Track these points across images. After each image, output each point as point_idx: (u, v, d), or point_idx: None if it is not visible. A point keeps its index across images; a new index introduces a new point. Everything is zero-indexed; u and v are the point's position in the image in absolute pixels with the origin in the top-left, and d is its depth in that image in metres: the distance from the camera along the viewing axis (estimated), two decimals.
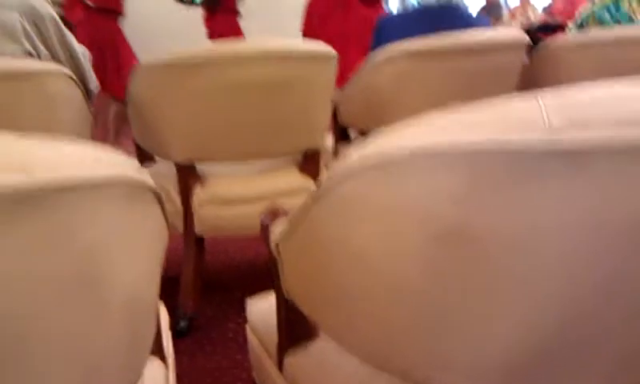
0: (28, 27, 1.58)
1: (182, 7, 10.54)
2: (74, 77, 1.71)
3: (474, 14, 2.51)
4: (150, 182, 0.57)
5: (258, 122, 1.78)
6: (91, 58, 1.91)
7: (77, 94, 1.72)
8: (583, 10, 2.36)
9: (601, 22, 2.26)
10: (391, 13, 2.39)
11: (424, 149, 0.55)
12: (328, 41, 3.52)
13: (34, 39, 1.60)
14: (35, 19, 1.60)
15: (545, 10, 8.88)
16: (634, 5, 2.28)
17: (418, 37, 2.06)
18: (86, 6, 4.32)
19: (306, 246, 0.75)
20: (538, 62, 2.30)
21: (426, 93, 2.08)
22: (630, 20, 2.25)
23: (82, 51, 1.81)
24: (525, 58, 2.23)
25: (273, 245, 0.86)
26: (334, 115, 2.34)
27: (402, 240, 0.59)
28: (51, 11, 1.66)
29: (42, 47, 1.63)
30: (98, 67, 4.28)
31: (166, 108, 1.73)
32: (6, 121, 1.54)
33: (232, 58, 1.72)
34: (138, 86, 1.79)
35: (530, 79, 2.30)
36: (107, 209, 0.51)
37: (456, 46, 2.03)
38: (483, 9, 9.34)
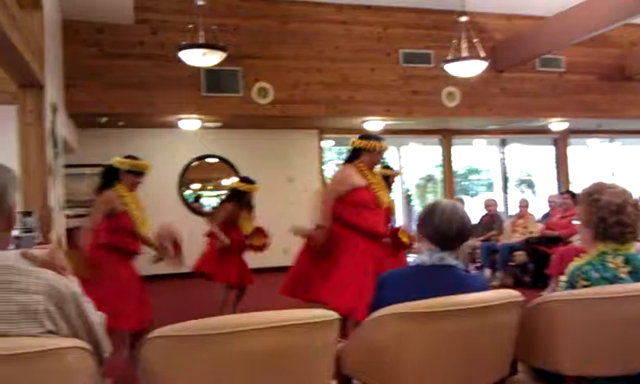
0: (52, 309, 1.70)
1: (198, 218, 11.13)
2: (89, 347, 1.80)
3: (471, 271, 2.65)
4: None
5: None
6: (105, 320, 2.01)
7: (90, 365, 1.80)
8: (571, 266, 2.49)
9: (588, 279, 2.38)
10: (392, 271, 2.53)
11: None
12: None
13: (55, 319, 1.71)
14: (58, 301, 1.72)
15: (543, 220, 9.22)
16: (619, 262, 2.41)
17: (416, 295, 2.18)
18: (100, 245, 4.57)
19: None
20: (531, 317, 2.39)
21: (426, 352, 2.16)
22: (616, 277, 2.37)
23: (98, 320, 1.92)
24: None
25: None
26: (337, 365, 2.39)
27: None
28: (72, 289, 1.79)
29: (62, 324, 1.74)
30: (106, 299, 4.42)
31: (176, 380, 1.80)
32: None
33: (237, 328, 1.83)
34: (148, 355, 1.88)
35: (525, 336, 2.38)
36: None
37: (454, 307, 2.14)
38: (484, 218, 9.72)
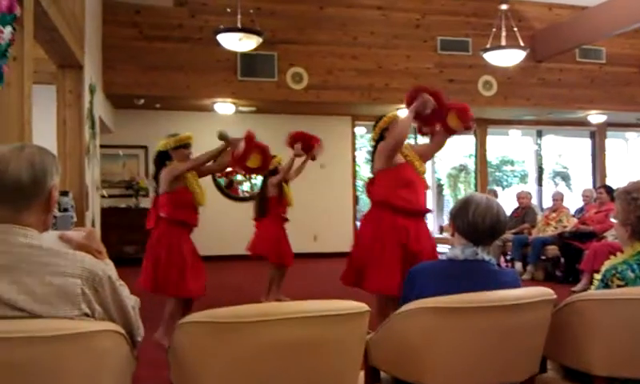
0: (88, 292, 1.73)
1: (232, 202, 11.28)
2: (123, 330, 1.84)
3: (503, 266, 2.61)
4: None
5: None
6: (139, 304, 2.04)
7: (124, 348, 1.84)
8: (607, 265, 2.45)
9: (623, 278, 2.34)
10: (422, 264, 2.52)
11: None
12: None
13: (91, 302, 1.74)
14: (95, 284, 1.75)
15: (577, 214, 9.07)
16: None
17: (447, 290, 2.17)
18: (165, 221, 4.77)
19: None
20: (563, 316, 2.37)
21: (456, 347, 2.15)
22: None
23: (132, 304, 1.95)
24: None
25: None
26: (366, 357, 2.40)
27: None
28: (108, 273, 1.82)
29: (97, 307, 1.77)
30: (159, 269, 4.65)
31: (206, 366, 1.83)
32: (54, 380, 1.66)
33: (267, 317, 1.84)
34: (179, 340, 1.91)
35: (557, 334, 2.35)
36: None
37: (485, 304, 2.12)
38: (516, 211, 9.59)
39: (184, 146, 4.88)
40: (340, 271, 4.82)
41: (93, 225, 6.98)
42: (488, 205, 2.34)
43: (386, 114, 4.96)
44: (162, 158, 4.89)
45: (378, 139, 4.82)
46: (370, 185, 4.89)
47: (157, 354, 3.71)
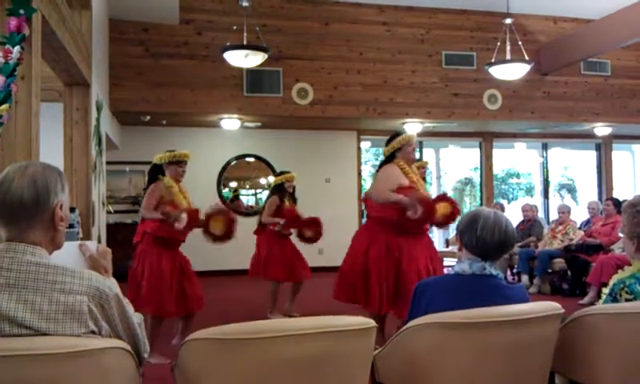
0: (95, 309, 1.74)
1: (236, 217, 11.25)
2: (129, 347, 1.84)
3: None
4: None
5: None
6: (142, 321, 2.04)
7: (130, 365, 1.84)
8: (614, 279, 2.44)
9: (632, 292, 2.33)
10: (430, 278, 2.52)
11: None
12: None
13: (98, 319, 1.75)
14: (102, 301, 1.76)
15: (584, 227, 9.03)
16: None
17: (455, 305, 2.16)
18: (150, 236, 4.74)
19: None
20: (572, 330, 2.35)
21: (463, 363, 2.14)
22: None
23: (137, 321, 1.96)
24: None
25: None
26: (372, 373, 2.39)
27: None
28: (115, 290, 1.83)
29: (104, 325, 1.78)
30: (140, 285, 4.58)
31: (213, 383, 1.83)
32: None
33: (273, 334, 1.84)
34: (185, 358, 1.91)
35: (565, 349, 2.34)
36: None
37: (492, 319, 2.12)
38: (522, 224, 9.55)
39: (177, 162, 4.90)
40: None
41: (99, 241, 6.99)
42: (496, 220, 2.32)
43: (398, 129, 5.03)
44: (156, 172, 4.93)
45: (389, 156, 4.88)
46: (368, 199, 4.95)
47: (161, 370, 3.71)
